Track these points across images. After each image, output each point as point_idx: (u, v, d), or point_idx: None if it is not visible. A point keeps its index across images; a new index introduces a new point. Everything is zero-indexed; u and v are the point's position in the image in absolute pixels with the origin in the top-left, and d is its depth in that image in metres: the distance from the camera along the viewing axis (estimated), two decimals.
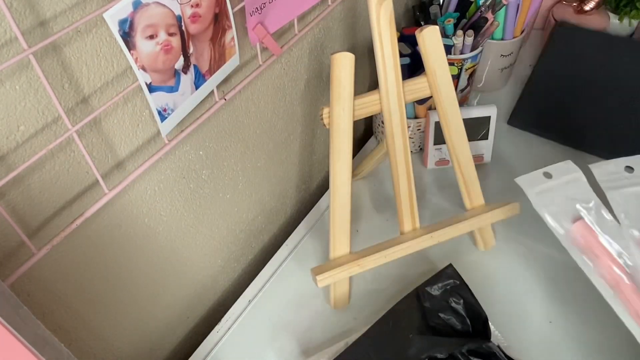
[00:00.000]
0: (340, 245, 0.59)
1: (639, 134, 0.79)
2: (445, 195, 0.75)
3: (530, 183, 0.53)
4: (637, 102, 0.84)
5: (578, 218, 0.50)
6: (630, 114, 0.82)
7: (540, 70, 0.90)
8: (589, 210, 0.50)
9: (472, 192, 0.63)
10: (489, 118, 0.73)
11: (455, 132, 0.59)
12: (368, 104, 0.56)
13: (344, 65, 0.52)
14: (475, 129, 0.74)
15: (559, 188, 0.52)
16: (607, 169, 0.51)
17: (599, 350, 0.58)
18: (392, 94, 0.55)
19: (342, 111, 0.54)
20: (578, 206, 0.50)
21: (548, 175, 0.53)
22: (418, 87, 0.57)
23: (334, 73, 0.52)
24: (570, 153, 0.79)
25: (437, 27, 0.54)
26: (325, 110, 0.55)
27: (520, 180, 0.54)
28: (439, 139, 0.74)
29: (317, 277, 0.56)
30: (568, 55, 0.92)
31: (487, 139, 0.75)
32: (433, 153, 0.76)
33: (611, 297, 0.48)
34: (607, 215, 0.50)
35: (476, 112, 0.72)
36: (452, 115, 0.58)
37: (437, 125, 0.73)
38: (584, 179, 0.52)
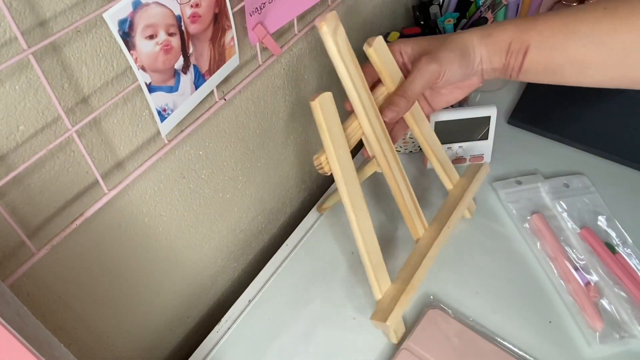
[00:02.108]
0: (383, 282, 0.58)
1: (637, 133, 0.79)
2: (445, 195, 0.75)
3: (503, 186, 0.75)
4: (636, 102, 0.84)
5: (535, 212, 0.70)
6: (629, 113, 0.83)
7: None
8: (543, 207, 0.71)
9: (449, 171, 0.67)
10: (489, 118, 0.73)
11: (422, 123, 0.60)
12: (352, 133, 0.53)
13: (325, 105, 0.49)
14: (475, 129, 0.74)
15: (524, 192, 0.73)
16: (552, 185, 0.73)
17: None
18: (370, 112, 0.54)
19: (341, 153, 0.51)
20: (535, 205, 0.72)
21: (519, 182, 0.74)
22: (383, 97, 0.56)
23: (319, 118, 0.49)
24: (570, 152, 0.79)
25: (380, 37, 0.52)
26: (322, 158, 0.51)
27: (496, 184, 0.75)
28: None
29: (387, 322, 0.55)
30: None
31: (487, 139, 0.75)
32: None
33: (548, 265, 0.65)
34: (554, 212, 0.70)
35: (476, 112, 0.72)
36: (415, 109, 0.59)
37: (436, 125, 0.73)
38: (542, 188, 0.73)
